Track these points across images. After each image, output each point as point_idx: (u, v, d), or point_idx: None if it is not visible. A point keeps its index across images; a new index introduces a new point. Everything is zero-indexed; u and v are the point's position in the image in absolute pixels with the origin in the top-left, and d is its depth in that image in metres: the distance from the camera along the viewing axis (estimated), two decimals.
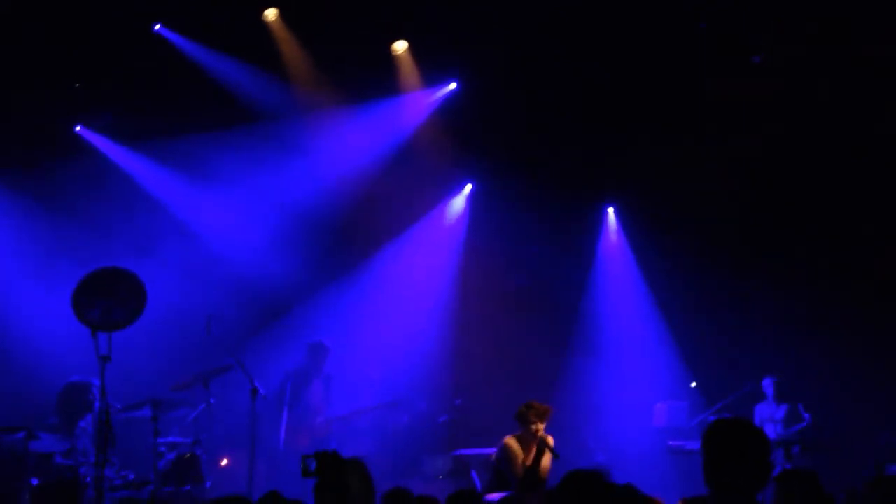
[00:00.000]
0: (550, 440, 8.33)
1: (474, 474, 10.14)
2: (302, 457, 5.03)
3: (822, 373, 11.73)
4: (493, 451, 8.74)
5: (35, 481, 8.23)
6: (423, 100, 12.56)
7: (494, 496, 7.94)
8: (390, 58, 12.11)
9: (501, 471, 8.36)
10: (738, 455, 4.00)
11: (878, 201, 11.79)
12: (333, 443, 10.57)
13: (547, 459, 8.30)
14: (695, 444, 10.66)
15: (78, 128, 11.87)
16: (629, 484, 4.93)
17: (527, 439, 8.33)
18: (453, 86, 12.49)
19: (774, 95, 11.48)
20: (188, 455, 9.07)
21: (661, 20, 11.20)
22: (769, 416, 11.10)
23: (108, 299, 8.12)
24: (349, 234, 12.44)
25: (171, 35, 11.45)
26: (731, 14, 11.07)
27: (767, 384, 11.25)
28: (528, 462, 8.28)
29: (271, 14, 11.59)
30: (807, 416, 10.75)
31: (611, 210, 13.56)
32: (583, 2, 11.04)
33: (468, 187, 13.37)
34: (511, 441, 8.35)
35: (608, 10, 11.11)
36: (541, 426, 8.28)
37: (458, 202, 13.38)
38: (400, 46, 12.07)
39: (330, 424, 10.64)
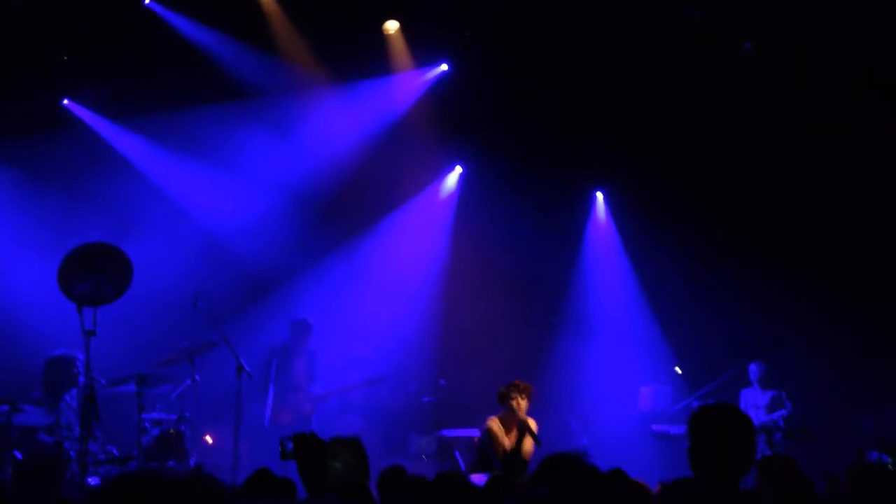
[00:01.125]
0: (533, 424, 8.36)
1: (458, 454, 10.17)
2: (280, 438, 5.02)
3: (806, 359, 11.81)
4: (477, 432, 8.77)
5: (18, 454, 8.19)
6: (414, 80, 12.52)
7: (479, 477, 7.97)
8: (382, 38, 12.06)
9: (485, 452, 8.39)
10: (724, 440, 4.03)
11: (864, 191, 11.85)
12: (317, 421, 10.59)
13: (529, 442, 8.33)
14: (678, 429, 10.73)
15: (66, 101, 11.79)
16: (617, 468, 4.97)
17: (509, 420, 8.36)
18: (444, 67, 12.46)
19: (766, 82, 11.50)
20: (172, 431, 9.07)
21: (652, 5, 11.18)
22: (753, 402, 11.17)
23: (94, 274, 8.10)
24: (338, 213, 12.42)
25: (161, 9, 11.36)
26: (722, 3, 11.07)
27: (753, 369, 11.31)
28: (511, 443, 8.31)
29: None
30: (788, 404, 10.83)
31: (599, 194, 13.58)
32: None
33: (458, 169, 13.36)
34: (494, 422, 8.38)
35: None
36: (522, 402, 8.31)
37: (448, 184, 13.37)
38: (391, 26, 12.02)
39: (314, 401, 10.66)
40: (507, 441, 8.32)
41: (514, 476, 8.10)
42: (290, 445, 4.84)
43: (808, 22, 10.79)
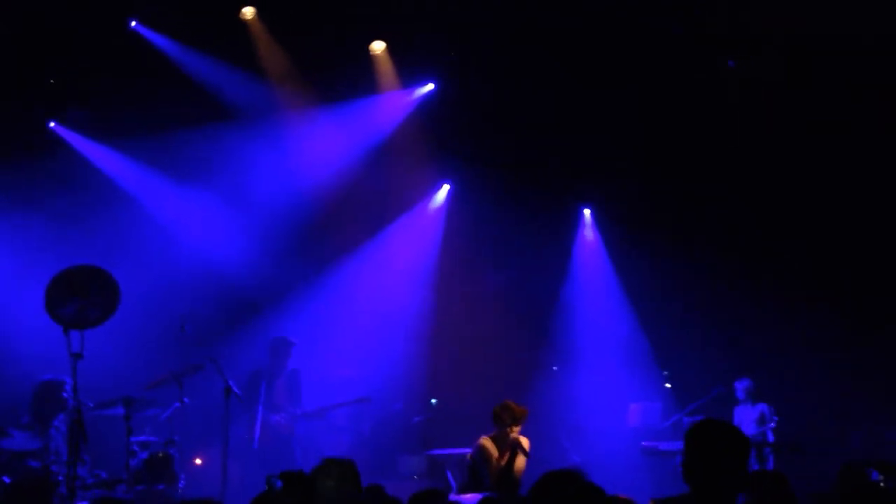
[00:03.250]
0: (525, 442, 8.35)
1: (449, 474, 10.14)
2: (267, 477, 4.96)
3: (795, 374, 11.85)
4: (468, 451, 8.75)
5: (7, 479, 8.16)
6: (401, 100, 12.56)
7: (469, 497, 7.95)
8: (368, 57, 12.10)
9: (476, 471, 8.37)
10: (719, 457, 4.03)
11: (854, 204, 11.90)
12: (297, 442, 10.50)
13: (521, 461, 8.32)
14: (668, 445, 10.74)
15: (52, 124, 11.77)
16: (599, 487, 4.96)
17: (502, 440, 8.35)
18: (431, 86, 12.50)
19: (753, 97, 11.59)
20: (161, 454, 9.03)
21: (638, 25, 11.24)
22: (746, 418, 11.18)
23: (81, 297, 8.07)
24: (326, 233, 12.42)
25: (146, 32, 11.38)
26: (706, 19, 11.13)
27: (738, 387, 11.34)
28: (503, 463, 8.30)
29: (249, 12, 11.54)
30: (774, 417, 10.87)
31: (587, 210, 13.62)
32: (561, 6, 11.07)
33: (445, 187, 13.39)
34: (486, 441, 8.37)
35: (585, 12, 11.14)
36: (516, 429, 8.30)
37: (436, 202, 13.39)
38: (378, 47, 12.07)
39: (295, 422, 10.56)
40: (498, 460, 8.30)
41: (507, 495, 8.10)
42: (279, 484, 4.77)
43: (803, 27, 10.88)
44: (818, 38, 10.74)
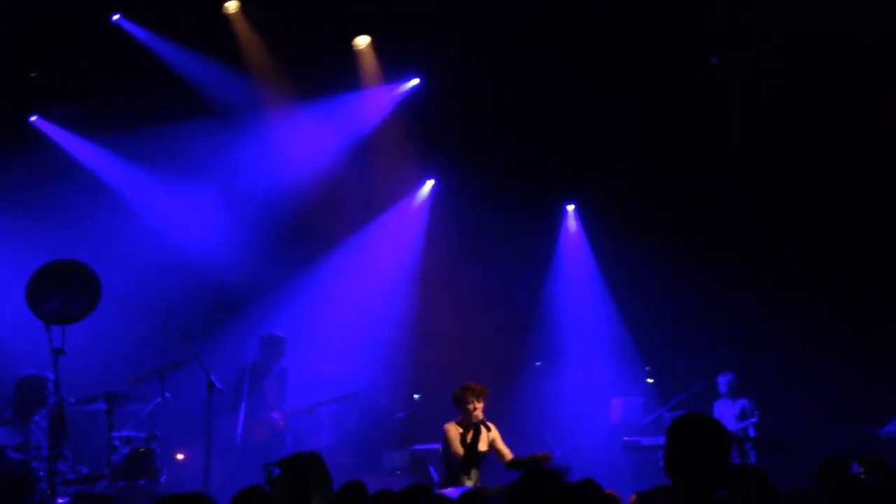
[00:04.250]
0: (494, 431, 8.39)
1: (431, 469, 10.16)
2: (264, 466, 4.93)
3: (777, 370, 11.91)
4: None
5: None
6: (385, 95, 12.55)
7: (452, 491, 7.96)
8: (352, 52, 12.08)
9: (449, 461, 8.40)
10: (700, 450, 4.06)
11: (840, 200, 11.95)
12: (290, 437, 10.54)
13: (484, 440, 8.36)
14: (649, 440, 10.80)
15: (34, 118, 11.71)
16: (588, 479, 5.00)
17: (467, 423, 8.39)
18: (415, 82, 12.50)
19: (737, 95, 11.63)
20: (143, 449, 9.00)
21: (632, 23, 11.26)
22: (726, 413, 11.24)
23: (62, 292, 8.03)
24: (309, 229, 12.40)
25: (129, 26, 11.33)
26: (704, 18, 11.16)
27: (721, 381, 11.40)
28: (468, 441, 8.32)
29: (232, 7, 11.52)
30: (756, 412, 10.93)
31: (570, 206, 13.66)
32: (551, 1, 11.08)
33: (429, 183, 13.39)
34: (449, 426, 8.43)
35: (571, 9, 11.15)
36: (478, 405, 8.34)
37: (420, 198, 13.39)
38: (362, 41, 12.05)
39: (286, 418, 10.60)
40: (461, 446, 8.32)
41: (471, 468, 8.15)
42: (277, 471, 4.75)
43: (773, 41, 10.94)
44: (818, 38, 10.78)
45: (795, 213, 12.14)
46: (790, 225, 12.23)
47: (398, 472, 10.79)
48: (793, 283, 12.08)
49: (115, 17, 11.27)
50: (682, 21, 11.18)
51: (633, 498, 5.40)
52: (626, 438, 11.23)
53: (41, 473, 8.25)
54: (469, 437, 8.35)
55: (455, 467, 8.28)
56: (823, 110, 11.43)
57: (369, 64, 12.26)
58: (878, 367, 11.59)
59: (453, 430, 8.39)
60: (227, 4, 11.49)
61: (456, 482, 8.21)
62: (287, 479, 4.69)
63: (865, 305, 11.95)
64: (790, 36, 10.88)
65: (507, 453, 8.40)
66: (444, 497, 5.62)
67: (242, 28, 11.58)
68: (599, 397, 12.30)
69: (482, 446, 8.35)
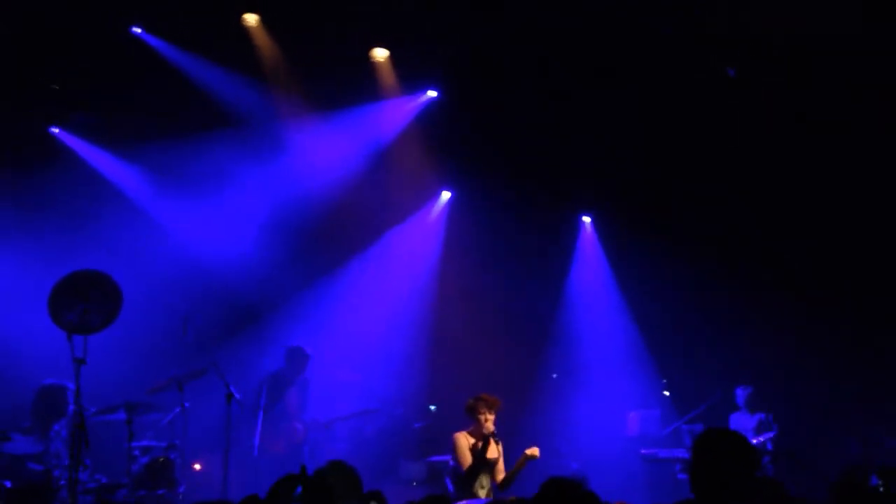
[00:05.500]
0: (500, 449, 8.40)
1: (448, 481, 10.17)
2: (284, 480, 4.84)
3: (793, 381, 11.87)
4: None
5: (8, 483, 8.18)
6: (403, 107, 12.60)
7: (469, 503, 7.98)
8: (370, 65, 12.14)
9: (457, 470, 8.42)
10: (725, 465, 4.07)
11: (854, 207, 11.92)
12: (308, 448, 10.56)
13: (493, 450, 8.37)
14: (667, 452, 10.78)
15: (55, 129, 11.81)
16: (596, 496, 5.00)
17: (477, 433, 8.40)
18: (432, 94, 12.55)
19: (751, 105, 11.62)
20: (162, 459, 9.05)
21: (638, 27, 11.27)
22: (742, 426, 11.20)
23: (83, 302, 8.10)
24: (327, 240, 12.45)
25: (150, 38, 11.42)
26: (706, 19, 11.16)
27: (739, 393, 11.36)
28: (476, 451, 8.34)
29: (251, 19, 11.59)
30: (775, 426, 10.88)
31: (586, 218, 13.66)
32: (561, 13, 11.11)
33: (446, 195, 13.43)
34: (459, 435, 8.44)
35: (585, 20, 11.18)
36: (490, 416, 8.35)
37: (436, 210, 13.43)
38: (380, 54, 12.11)
39: (307, 430, 10.63)
40: (473, 450, 8.34)
41: (479, 476, 8.15)
42: (299, 489, 4.63)
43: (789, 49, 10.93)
44: (818, 38, 10.76)
45: (815, 222, 12.09)
46: (808, 235, 12.19)
47: (415, 483, 10.81)
48: (809, 295, 12.04)
49: (136, 29, 11.35)
50: (685, 23, 11.18)
51: None
52: (643, 451, 11.21)
53: (62, 482, 8.31)
54: (478, 446, 8.37)
55: (463, 476, 8.29)
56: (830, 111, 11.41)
57: (387, 76, 12.31)
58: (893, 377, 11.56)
59: (463, 440, 8.41)
60: (246, 16, 11.56)
61: (469, 493, 8.22)
62: (310, 499, 4.63)
63: (884, 313, 11.87)
64: (790, 36, 10.86)
65: (501, 473, 8.41)
66: None
67: (262, 40, 11.66)
68: (616, 410, 12.29)
69: (492, 455, 8.37)
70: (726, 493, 4.04)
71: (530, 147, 12.30)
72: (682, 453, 10.69)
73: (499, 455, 8.43)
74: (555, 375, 13.12)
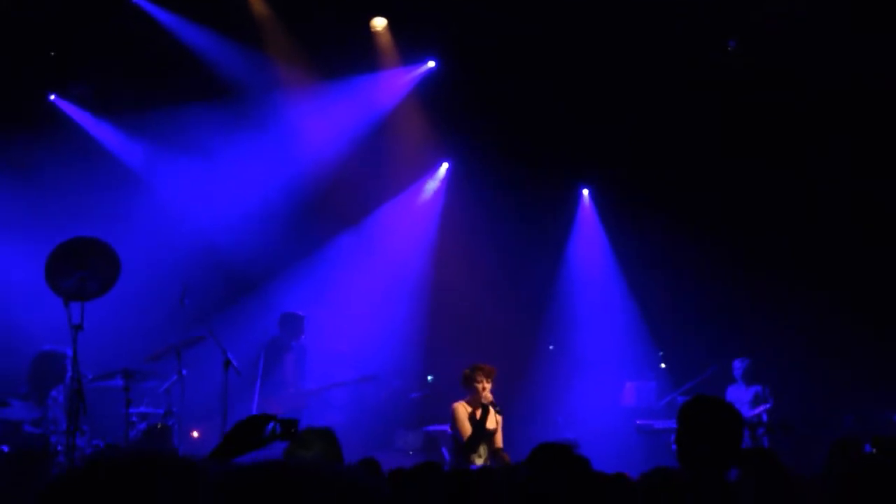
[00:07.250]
0: (500, 420, 8.44)
1: (444, 451, 10.22)
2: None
3: (788, 354, 11.91)
4: None
5: (5, 448, 8.21)
6: (402, 77, 12.55)
7: None
8: (369, 34, 12.08)
9: (457, 439, 8.46)
10: (711, 433, 4.08)
11: (849, 189, 11.94)
12: (305, 415, 10.61)
13: (493, 419, 8.41)
14: (662, 423, 10.82)
15: (52, 97, 11.78)
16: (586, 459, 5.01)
17: (475, 403, 8.44)
18: (432, 64, 12.49)
19: (754, 77, 11.60)
20: (159, 425, 9.10)
21: (639, 8, 11.22)
22: (739, 398, 11.23)
23: (81, 269, 8.09)
24: (325, 209, 12.44)
25: (148, 5, 11.36)
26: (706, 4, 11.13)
27: (736, 366, 11.39)
28: (476, 421, 8.38)
29: None
30: (771, 398, 10.93)
31: (585, 191, 13.65)
32: None
33: (445, 166, 13.40)
34: (458, 405, 8.48)
35: None
36: (487, 385, 8.39)
37: (435, 180, 13.41)
38: (379, 23, 12.04)
39: (303, 397, 10.66)
40: (472, 419, 8.38)
41: (479, 445, 8.20)
42: (279, 429, 4.51)
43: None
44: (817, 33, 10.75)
45: (813, 199, 12.11)
46: (806, 211, 12.21)
47: (411, 452, 10.86)
48: (807, 270, 12.06)
49: None
50: (690, 13, 11.15)
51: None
52: (638, 422, 11.26)
53: (59, 448, 8.34)
54: (478, 415, 8.42)
55: (464, 445, 8.34)
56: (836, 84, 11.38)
57: (386, 46, 12.25)
58: (890, 356, 11.59)
59: (462, 409, 8.45)
60: None
61: (466, 461, 8.27)
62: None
63: (878, 291, 11.92)
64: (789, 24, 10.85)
65: (499, 443, 8.45)
66: (456, 471, 5.63)
67: (260, 9, 11.59)
68: (612, 381, 12.34)
69: (491, 424, 8.41)
70: (711, 461, 4.06)
71: (529, 118, 12.26)
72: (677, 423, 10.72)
73: (497, 424, 8.48)
74: (552, 347, 13.17)
